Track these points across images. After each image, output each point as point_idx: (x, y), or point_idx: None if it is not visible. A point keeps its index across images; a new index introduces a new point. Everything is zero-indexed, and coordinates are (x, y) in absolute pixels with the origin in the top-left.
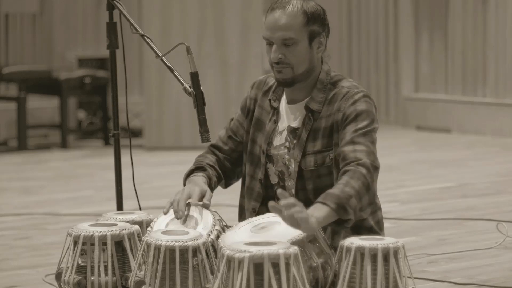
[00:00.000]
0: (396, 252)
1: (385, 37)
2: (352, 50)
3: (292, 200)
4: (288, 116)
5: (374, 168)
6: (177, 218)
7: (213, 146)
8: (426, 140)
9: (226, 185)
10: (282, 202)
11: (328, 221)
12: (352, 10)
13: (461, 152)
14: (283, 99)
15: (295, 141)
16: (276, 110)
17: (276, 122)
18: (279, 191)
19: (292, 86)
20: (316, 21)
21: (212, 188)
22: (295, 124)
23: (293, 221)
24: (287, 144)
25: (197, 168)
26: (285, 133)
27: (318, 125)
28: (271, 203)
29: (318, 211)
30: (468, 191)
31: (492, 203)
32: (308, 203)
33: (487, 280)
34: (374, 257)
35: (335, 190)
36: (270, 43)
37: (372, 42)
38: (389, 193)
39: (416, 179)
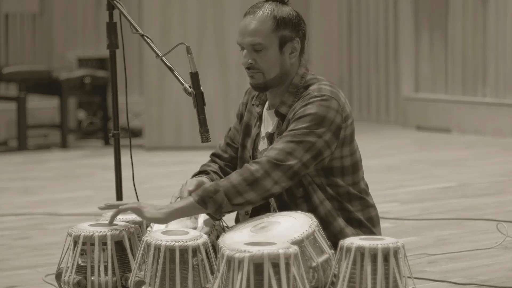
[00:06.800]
0: (396, 252)
1: (385, 37)
2: (352, 50)
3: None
4: (268, 122)
5: (272, 165)
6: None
7: (213, 155)
8: (426, 140)
9: None
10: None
11: (189, 212)
12: (352, 10)
13: (461, 152)
14: (267, 104)
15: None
16: (259, 115)
17: (259, 127)
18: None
19: (266, 91)
20: (287, 26)
21: None
22: (271, 129)
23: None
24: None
25: (200, 172)
26: (266, 138)
27: (285, 127)
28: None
29: (179, 202)
30: (468, 191)
31: (492, 203)
32: (284, 206)
33: (487, 280)
34: (374, 257)
35: (209, 183)
36: (242, 48)
37: (372, 42)
38: (389, 193)
39: (416, 179)
